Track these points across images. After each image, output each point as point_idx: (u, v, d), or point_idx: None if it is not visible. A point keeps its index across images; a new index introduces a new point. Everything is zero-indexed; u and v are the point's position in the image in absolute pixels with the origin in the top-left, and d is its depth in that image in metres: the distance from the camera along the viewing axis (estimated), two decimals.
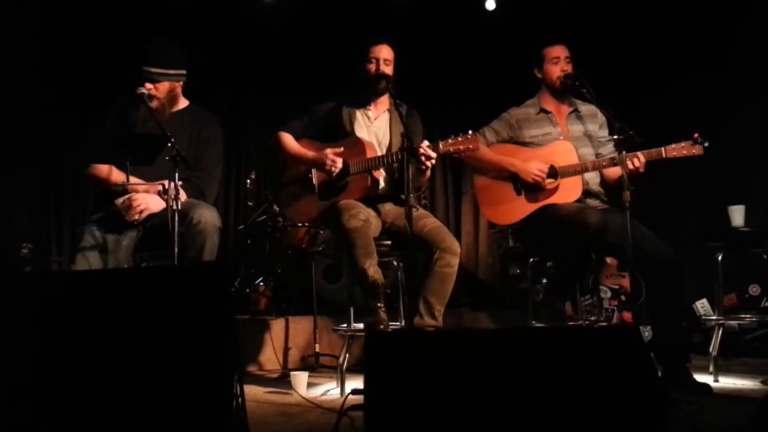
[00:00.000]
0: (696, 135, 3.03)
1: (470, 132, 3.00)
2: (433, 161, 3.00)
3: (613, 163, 3.17)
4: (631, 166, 3.08)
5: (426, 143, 3.00)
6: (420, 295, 3.05)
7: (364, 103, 3.38)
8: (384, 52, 3.28)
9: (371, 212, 3.14)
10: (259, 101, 5.84)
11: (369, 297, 3.03)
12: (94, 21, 5.16)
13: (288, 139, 3.32)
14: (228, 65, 5.62)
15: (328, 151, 3.19)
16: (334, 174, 3.18)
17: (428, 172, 3.18)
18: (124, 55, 5.00)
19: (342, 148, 3.21)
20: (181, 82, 3.23)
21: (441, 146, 3.00)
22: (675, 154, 3.05)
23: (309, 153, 3.27)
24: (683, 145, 3.05)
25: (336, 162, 3.17)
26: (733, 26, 4.74)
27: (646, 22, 5.15)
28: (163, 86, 3.16)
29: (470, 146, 2.98)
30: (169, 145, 2.74)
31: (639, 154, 3.09)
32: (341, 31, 5.44)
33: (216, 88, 5.46)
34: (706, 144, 3.03)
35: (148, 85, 3.11)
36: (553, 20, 5.26)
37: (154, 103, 3.10)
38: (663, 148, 3.06)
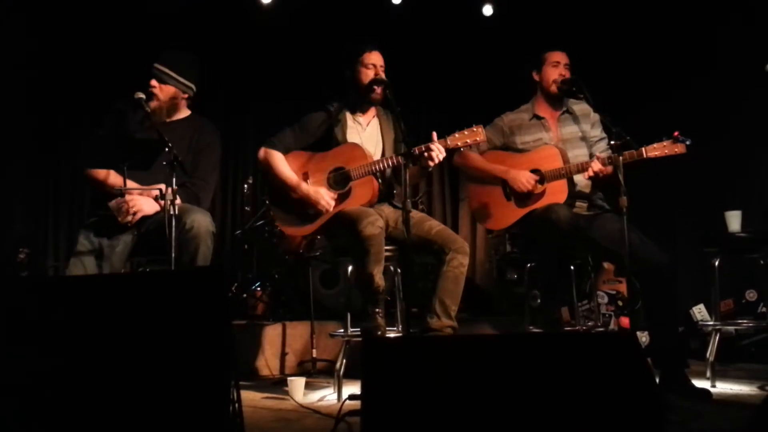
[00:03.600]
0: (676, 133, 3.00)
1: (474, 125, 3.01)
2: (441, 158, 2.99)
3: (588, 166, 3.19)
4: (590, 173, 3.14)
5: (435, 136, 2.99)
6: (434, 296, 3.05)
7: (354, 110, 3.36)
8: (379, 58, 3.28)
9: (384, 220, 3.11)
10: (257, 106, 5.84)
11: (368, 303, 3.03)
12: (91, 24, 5.16)
13: (278, 163, 3.24)
14: (225, 69, 5.62)
15: (322, 195, 3.16)
16: (329, 212, 3.17)
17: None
18: (121, 58, 5.04)
19: (335, 195, 3.18)
20: (187, 95, 3.22)
21: (448, 141, 3.00)
22: (656, 153, 3.03)
23: (302, 187, 3.20)
24: (664, 144, 3.02)
25: (329, 206, 3.15)
26: (732, 29, 4.75)
27: (642, 26, 5.16)
28: (168, 89, 3.14)
29: (477, 138, 3.00)
30: (167, 150, 2.74)
31: (596, 159, 3.14)
32: (339, 35, 5.45)
33: (213, 92, 5.46)
34: (688, 142, 2.99)
35: (153, 83, 3.10)
36: (549, 26, 5.27)
37: (153, 104, 3.07)
38: (643, 149, 3.03)
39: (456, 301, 3.06)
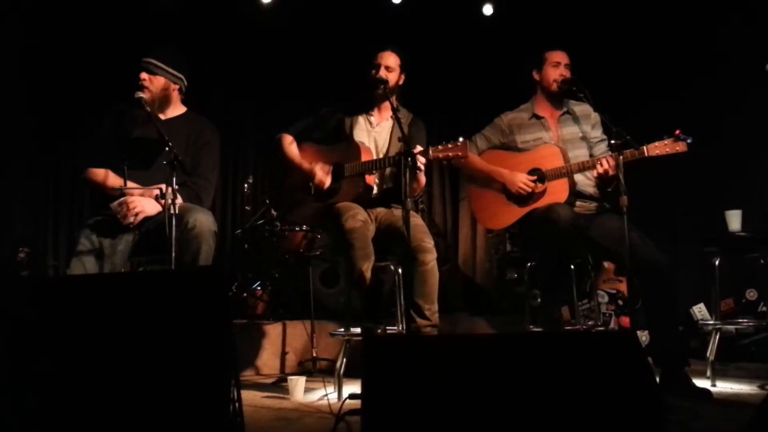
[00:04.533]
0: (677, 132, 2.99)
1: (460, 139, 3.00)
2: (422, 167, 3.01)
3: (594, 164, 3.18)
4: (600, 170, 3.11)
5: (418, 148, 3.01)
6: (409, 302, 3.05)
7: (367, 108, 3.42)
8: (386, 59, 3.32)
9: (367, 216, 3.15)
10: (256, 105, 5.84)
11: (364, 301, 3.03)
12: (92, 24, 5.16)
13: (289, 144, 3.36)
14: (225, 69, 5.62)
15: (318, 169, 3.25)
16: (324, 187, 3.23)
17: (422, 180, 3.20)
18: (121, 59, 5.03)
19: (331, 166, 3.26)
20: (178, 86, 3.23)
21: (431, 152, 3.01)
22: (658, 152, 3.02)
23: (304, 164, 3.31)
24: (666, 142, 3.01)
25: (323, 182, 3.23)
26: (732, 29, 4.75)
27: (642, 26, 5.16)
28: (158, 81, 3.16)
29: (459, 153, 2.97)
30: (167, 149, 2.74)
31: (607, 156, 3.11)
32: (340, 35, 5.46)
33: (213, 92, 5.46)
34: (689, 140, 2.98)
35: (144, 75, 3.11)
36: (549, 25, 5.27)
37: (145, 95, 3.07)
38: (645, 147, 3.03)
39: (430, 299, 3.06)
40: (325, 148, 3.35)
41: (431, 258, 3.08)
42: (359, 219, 3.03)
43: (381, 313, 3.24)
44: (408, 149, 2.92)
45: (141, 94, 3.02)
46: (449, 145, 3.00)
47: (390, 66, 3.31)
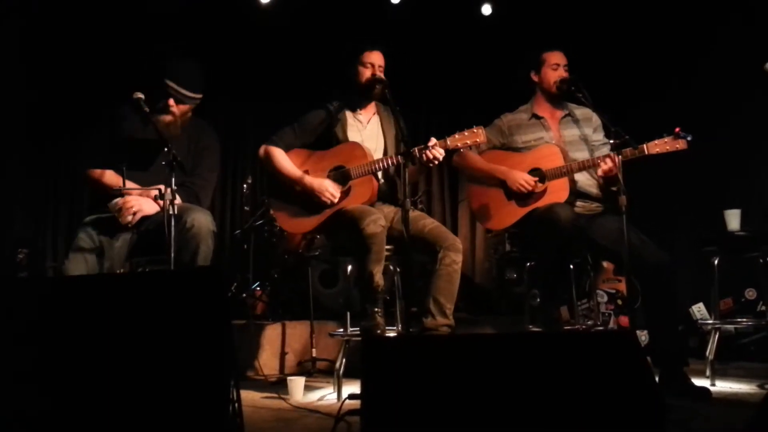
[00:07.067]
0: (677, 129, 3.00)
1: (475, 126, 3.01)
2: (440, 159, 3.00)
3: (596, 163, 3.17)
4: (605, 167, 3.11)
5: (433, 140, 3.00)
6: (428, 295, 3.05)
7: (353, 108, 3.38)
8: (379, 58, 3.30)
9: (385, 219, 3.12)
10: (256, 105, 5.84)
11: (367, 302, 3.03)
12: (91, 23, 5.15)
13: (279, 158, 3.27)
14: (225, 69, 5.61)
15: (327, 186, 3.17)
16: (335, 202, 3.17)
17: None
18: (121, 59, 5.03)
19: (332, 171, 3.22)
20: (196, 104, 3.23)
21: (449, 142, 3.01)
22: (658, 150, 3.02)
23: (306, 179, 3.21)
24: (666, 140, 3.02)
25: (335, 198, 3.16)
26: (732, 29, 4.75)
27: (641, 25, 5.16)
28: (184, 107, 3.14)
29: (477, 140, 3.00)
30: (166, 149, 2.74)
31: (611, 155, 3.10)
32: (339, 34, 5.45)
33: (213, 91, 5.44)
34: (689, 138, 2.99)
35: (171, 102, 3.08)
36: (548, 24, 5.28)
37: (167, 118, 3.07)
38: (645, 145, 3.03)
39: (451, 300, 3.06)
40: (319, 153, 3.29)
41: (460, 259, 3.09)
42: (380, 224, 2.99)
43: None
44: (409, 150, 2.93)
45: (140, 95, 3.01)
46: (466, 133, 3.00)
47: (382, 65, 3.29)
